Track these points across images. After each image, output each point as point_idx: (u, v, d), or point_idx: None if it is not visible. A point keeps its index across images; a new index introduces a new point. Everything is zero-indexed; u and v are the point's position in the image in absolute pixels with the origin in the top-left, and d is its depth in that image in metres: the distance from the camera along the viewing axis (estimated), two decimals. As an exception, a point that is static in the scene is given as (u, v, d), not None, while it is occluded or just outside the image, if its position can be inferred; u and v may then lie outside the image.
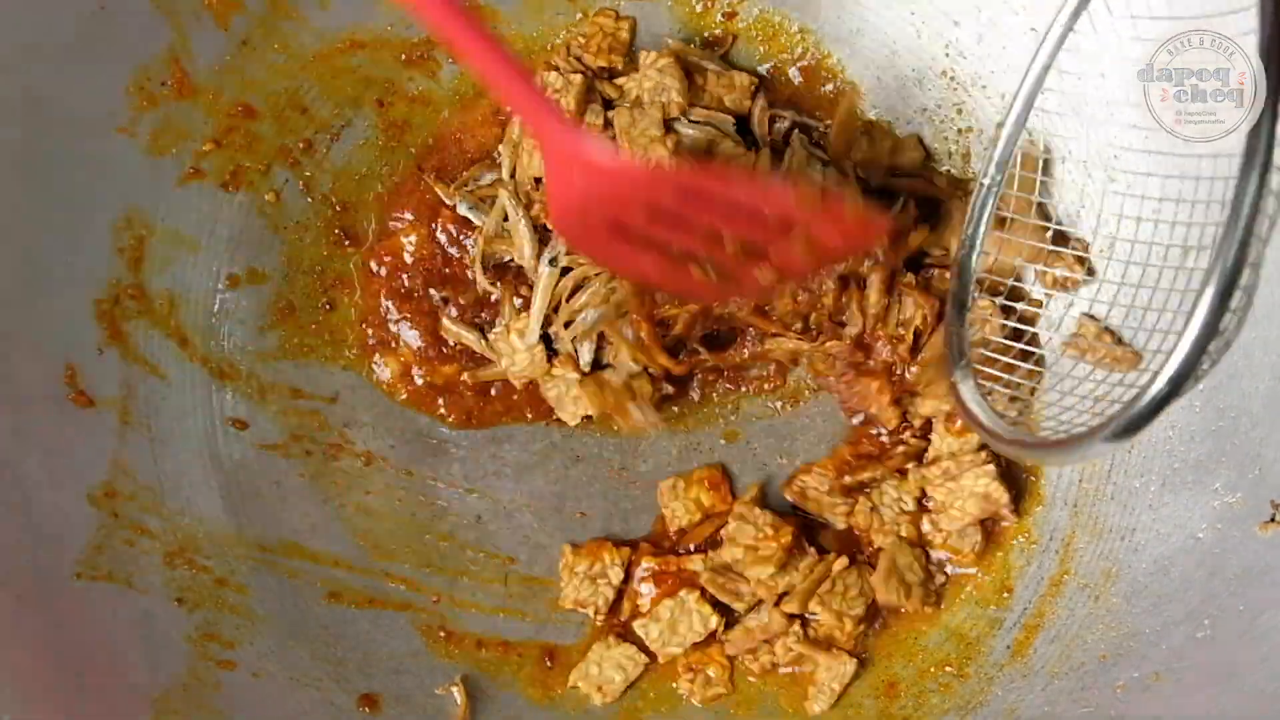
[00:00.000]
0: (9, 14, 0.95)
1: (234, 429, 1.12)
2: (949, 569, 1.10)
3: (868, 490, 1.11)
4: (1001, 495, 1.07)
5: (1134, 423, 0.78)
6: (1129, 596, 1.02)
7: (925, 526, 1.11)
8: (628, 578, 1.12)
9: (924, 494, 1.11)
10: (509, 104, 1.05)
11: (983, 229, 1.04)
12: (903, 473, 1.11)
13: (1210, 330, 0.75)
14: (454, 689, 1.09)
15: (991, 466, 1.07)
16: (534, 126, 0.92)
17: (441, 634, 1.12)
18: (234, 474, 1.12)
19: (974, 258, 1.04)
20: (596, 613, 1.12)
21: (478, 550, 1.15)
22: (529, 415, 1.15)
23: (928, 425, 1.11)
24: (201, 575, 1.07)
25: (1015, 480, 1.10)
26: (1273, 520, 0.95)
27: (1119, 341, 1.05)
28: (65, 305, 1.03)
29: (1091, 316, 1.07)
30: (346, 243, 1.15)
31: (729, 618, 1.11)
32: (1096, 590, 1.05)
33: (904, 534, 1.10)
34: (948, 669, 1.09)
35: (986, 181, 1.03)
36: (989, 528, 1.11)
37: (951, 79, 1.10)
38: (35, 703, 0.92)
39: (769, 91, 1.14)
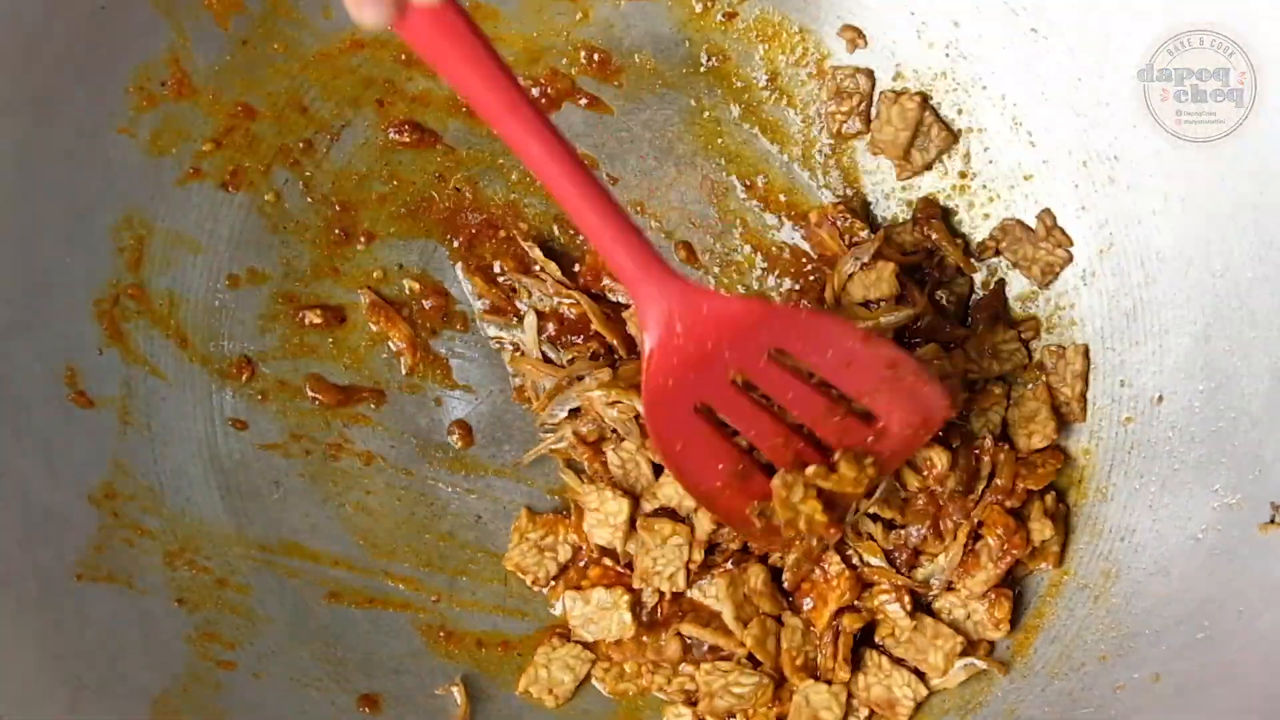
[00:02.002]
0: (9, 14, 0.95)
1: (234, 429, 1.12)
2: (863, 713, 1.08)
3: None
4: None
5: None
6: (1129, 597, 1.02)
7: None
8: (575, 556, 1.13)
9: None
10: (597, 244, 0.92)
11: None
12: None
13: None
14: (454, 689, 1.09)
15: (911, 696, 1.06)
16: (627, 275, 0.89)
17: (441, 634, 1.13)
18: (234, 474, 1.12)
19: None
20: (535, 582, 1.12)
21: (477, 550, 1.15)
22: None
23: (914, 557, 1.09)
24: (202, 575, 1.07)
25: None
26: (1272, 521, 0.95)
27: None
28: (65, 305, 1.03)
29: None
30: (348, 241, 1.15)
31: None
32: (1096, 591, 1.05)
33: (829, 665, 1.06)
34: (947, 669, 1.09)
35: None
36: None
37: (952, 79, 1.10)
38: (35, 703, 0.92)
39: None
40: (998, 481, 1.06)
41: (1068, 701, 1.01)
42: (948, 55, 1.10)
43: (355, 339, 1.17)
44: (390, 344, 1.17)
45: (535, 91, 1.15)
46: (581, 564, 1.12)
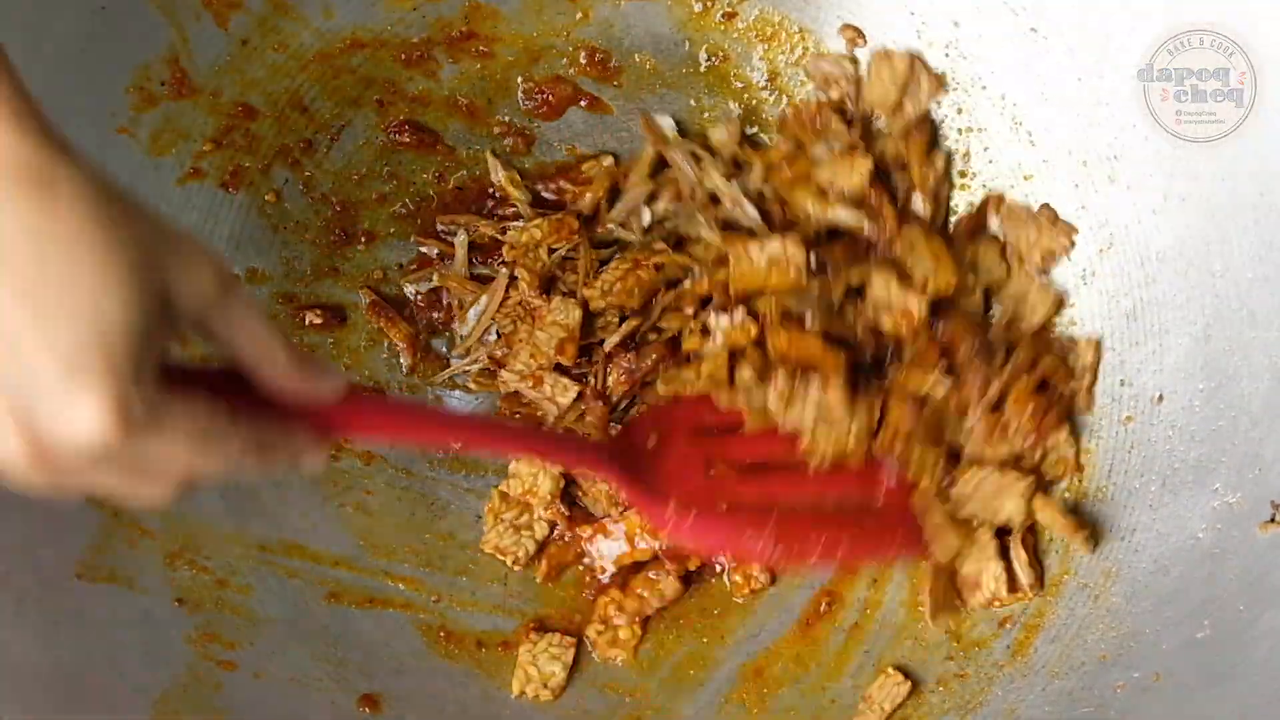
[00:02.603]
0: (9, 14, 0.95)
1: (234, 429, 1.12)
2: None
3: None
4: None
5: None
6: (1129, 597, 1.02)
7: None
8: (552, 533, 1.13)
9: None
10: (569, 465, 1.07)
11: None
12: None
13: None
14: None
15: (992, 592, 1.05)
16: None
17: (441, 634, 1.13)
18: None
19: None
20: (515, 563, 1.12)
21: (478, 550, 1.15)
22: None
23: None
24: (202, 576, 1.07)
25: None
26: (1273, 520, 0.95)
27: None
28: (65, 305, 1.03)
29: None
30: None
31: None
32: (1096, 590, 1.05)
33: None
34: (947, 668, 1.08)
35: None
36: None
37: (952, 79, 1.10)
38: (35, 703, 0.92)
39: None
40: (1019, 357, 1.05)
41: (1068, 701, 1.01)
42: (948, 55, 1.10)
43: (355, 339, 1.17)
44: (390, 344, 1.17)
45: (537, 97, 1.15)
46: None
